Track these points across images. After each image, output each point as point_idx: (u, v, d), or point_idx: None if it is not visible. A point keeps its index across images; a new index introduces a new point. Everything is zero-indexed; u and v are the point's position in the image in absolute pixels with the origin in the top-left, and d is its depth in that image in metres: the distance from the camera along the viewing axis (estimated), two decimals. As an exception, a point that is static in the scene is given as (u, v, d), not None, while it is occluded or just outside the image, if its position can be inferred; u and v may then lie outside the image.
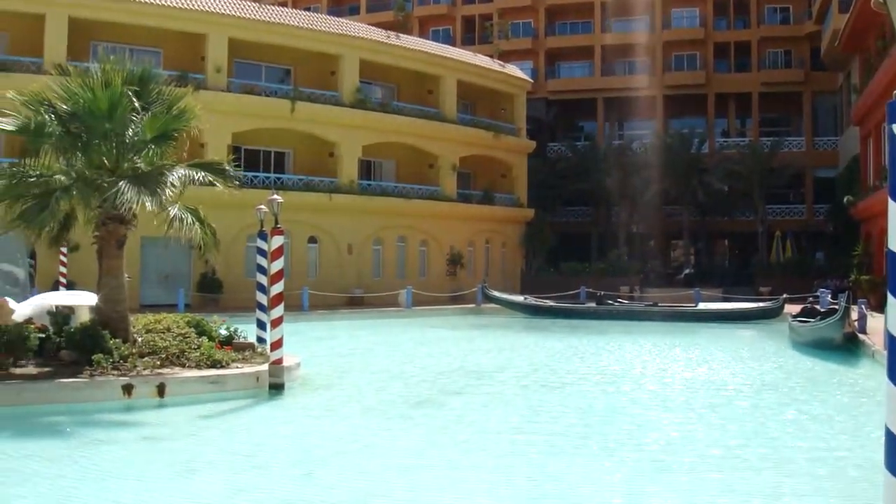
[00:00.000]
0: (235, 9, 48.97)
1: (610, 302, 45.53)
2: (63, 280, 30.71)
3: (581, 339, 32.79)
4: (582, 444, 14.30)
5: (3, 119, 18.95)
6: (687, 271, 63.28)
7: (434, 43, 62.53)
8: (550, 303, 46.76)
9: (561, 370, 23.94)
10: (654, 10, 71.89)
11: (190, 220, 19.32)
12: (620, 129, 73.50)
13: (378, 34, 53.85)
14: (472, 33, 76.31)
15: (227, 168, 20.44)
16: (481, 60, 60.39)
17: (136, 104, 18.86)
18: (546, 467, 12.49)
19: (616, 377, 22.33)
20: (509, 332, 36.89)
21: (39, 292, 32.25)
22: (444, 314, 45.84)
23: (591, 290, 49.85)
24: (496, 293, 47.32)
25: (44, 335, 18.64)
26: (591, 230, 66.74)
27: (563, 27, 76.07)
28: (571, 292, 50.00)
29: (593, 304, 46.01)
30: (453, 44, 70.94)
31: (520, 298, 48.10)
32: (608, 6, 73.28)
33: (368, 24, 60.05)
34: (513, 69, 63.20)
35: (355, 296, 47.77)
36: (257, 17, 48.57)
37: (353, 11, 78.02)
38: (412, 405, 18.10)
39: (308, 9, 73.22)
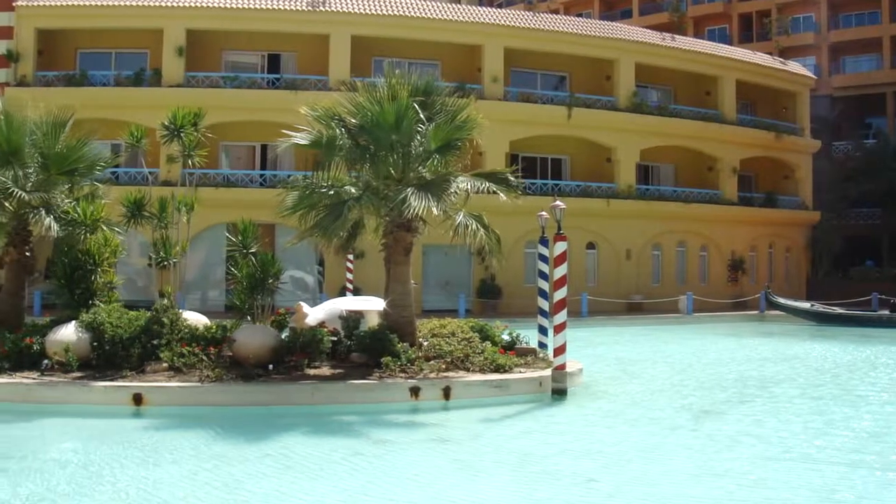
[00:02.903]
0: (510, 19, 49.73)
1: (906, 310, 42.80)
2: (350, 286, 32.00)
3: (875, 350, 31.02)
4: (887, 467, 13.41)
5: (297, 134, 19.97)
6: None
7: (710, 42, 60.94)
8: (839, 310, 44.39)
9: (853, 382, 22.74)
10: (953, -4, 67.08)
11: (475, 226, 19.69)
12: (914, 124, 69.01)
13: (653, 36, 53.15)
14: (750, 31, 73.80)
15: (511, 178, 20.67)
16: (760, 58, 58.32)
17: (421, 115, 19.43)
18: (842, 489, 11.82)
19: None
20: (795, 341, 35.40)
21: (328, 298, 33.93)
22: (725, 321, 44.62)
23: (883, 296, 47.09)
24: (781, 300, 45.50)
25: (335, 338, 19.53)
26: (882, 233, 62.91)
27: (847, 19, 72.22)
28: (862, 299, 47.42)
29: (887, 312, 43.33)
30: (730, 42, 68.91)
31: (806, 305, 46.06)
32: (899, -7, 69.02)
33: (642, 27, 59.38)
34: (794, 66, 60.70)
35: (634, 302, 47.28)
36: (532, 25, 49.03)
37: (625, 15, 77.30)
38: (695, 413, 17.71)
39: (580, 14, 73.28)
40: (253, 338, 18.40)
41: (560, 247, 19.35)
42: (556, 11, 73.55)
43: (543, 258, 22.29)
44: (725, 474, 12.51)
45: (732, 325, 42.68)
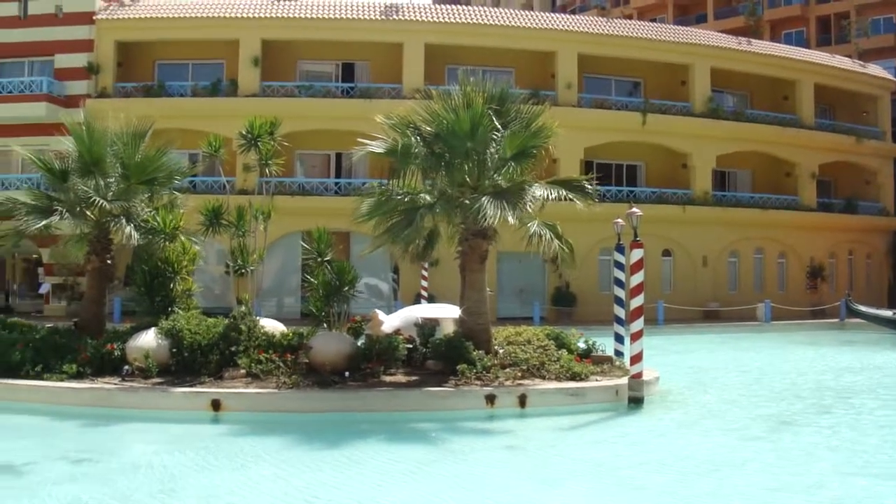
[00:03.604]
0: (584, 25, 49.60)
1: None
2: (424, 293, 32.00)
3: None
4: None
5: (372, 142, 20.06)
6: None
7: (787, 46, 60.11)
8: (923, 319, 43.41)
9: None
10: None
11: (549, 235, 19.60)
12: None
13: (729, 41, 52.50)
14: (828, 33, 72.48)
15: (586, 185, 20.54)
16: (839, 61, 57.28)
17: (496, 123, 19.39)
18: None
19: None
20: (877, 350, 34.56)
21: (402, 305, 34.02)
22: (804, 329, 43.81)
23: (969, 304, 45.93)
24: (861, 307, 44.52)
25: (411, 346, 19.58)
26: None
27: (929, 19, 70.70)
28: (948, 307, 46.28)
29: (973, 320, 42.23)
30: (808, 46, 67.74)
31: (888, 313, 44.94)
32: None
33: (717, 32, 58.71)
34: (875, 69, 59.48)
35: (711, 309, 46.72)
36: (605, 31, 48.86)
37: (700, 20, 76.43)
38: (774, 423, 17.38)
39: (654, 20, 72.63)
40: (329, 345, 18.52)
41: (636, 254, 19.17)
42: (629, 17, 73.13)
43: (619, 266, 22.11)
44: (804, 490, 12.22)
45: (811, 333, 41.89)
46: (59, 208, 20.53)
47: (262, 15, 45.48)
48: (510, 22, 47.51)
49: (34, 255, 44.01)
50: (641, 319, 18.79)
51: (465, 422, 16.69)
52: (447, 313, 21.02)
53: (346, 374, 18.02)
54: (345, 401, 17.26)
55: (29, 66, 45.84)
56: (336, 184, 44.20)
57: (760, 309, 45.37)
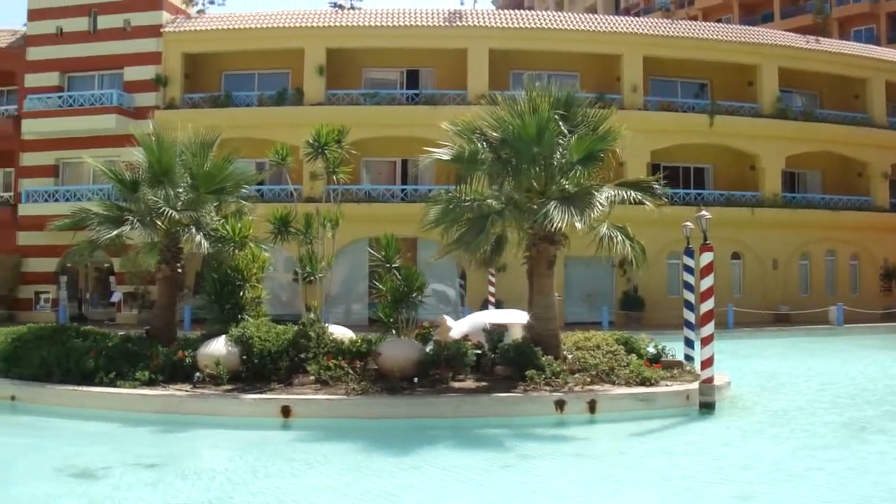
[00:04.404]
0: (649, 27, 49.21)
1: None
2: (491, 299, 31.95)
3: None
4: None
5: (439, 149, 20.06)
6: None
7: (857, 44, 59.05)
8: None
9: None
10: None
11: (619, 238, 19.45)
12: None
13: (797, 40, 51.73)
14: (899, 30, 71.32)
15: (656, 187, 20.34)
16: (912, 59, 56.19)
17: (563, 128, 19.29)
18: None
19: None
20: (954, 353, 33.85)
21: (470, 311, 33.97)
22: (878, 332, 42.85)
23: None
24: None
25: (479, 351, 19.52)
26: None
27: None
28: None
29: None
30: (878, 43, 66.58)
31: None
32: None
33: (784, 31, 57.89)
34: (949, 66, 58.24)
35: (781, 313, 45.94)
36: (671, 33, 48.41)
37: (766, 19, 75.47)
38: (850, 430, 17.04)
39: (720, 20, 71.90)
40: (398, 351, 18.55)
41: (706, 257, 18.93)
42: (694, 18, 72.50)
43: (689, 269, 21.88)
44: (881, 501, 11.93)
45: (885, 337, 40.96)
46: (131, 218, 20.86)
47: (326, 24, 45.84)
48: (574, 26, 47.34)
49: (106, 265, 44.72)
50: (712, 323, 18.55)
51: (534, 428, 16.61)
52: (515, 319, 20.92)
53: (415, 380, 18.03)
54: (414, 407, 17.26)
55: (99, 79, 46.75)
56: (402, 190, 44.35)
57: (832, 312, 44.58)
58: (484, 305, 33.24)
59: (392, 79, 48.01)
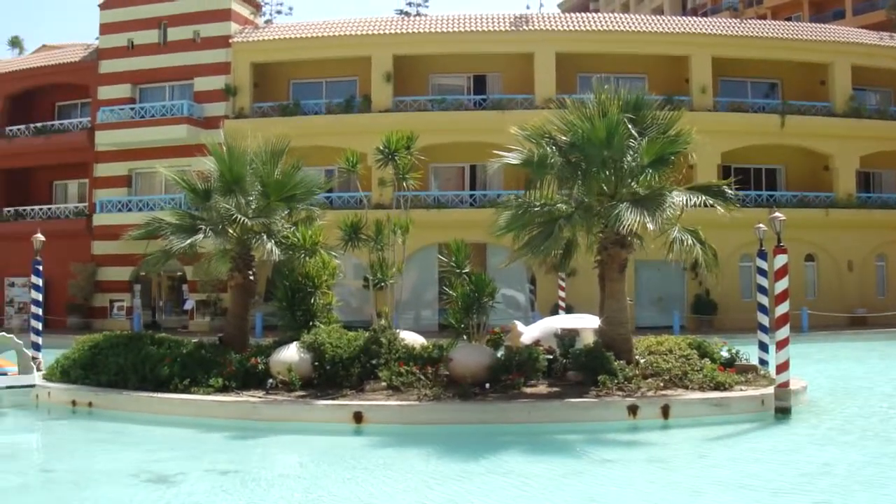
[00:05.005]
0: (717, 27, 48.71)
1: None
2: (562, 304, 31.82)
3: None
4: None
5: (508, 154, 20.02)
6: None
7: (934, 40, 57.81)
8: None
9: None
10: None
11: (690, 241, 19.23)
12: None
13: (870, 36, 50.75)
14: (976, 25, 69.60)
15: (728, 190, 20.06)
16: None
17: (632, 130, 19.15)
18: None
19: None
20: None
21: (539, 316, 33.87)
22: (959, 334, 41.96)
23: None
24: None
25: (551, 356, 19.44)
26: None
27: None
28: None
29: None
30: (955, 38, 65.10)
31: None
32: None
33: (856, 28, 56.85)
34: None
35: (857, 315, 45.06)
36: (740, 32, 47.84)
37: (837, 16, 74.07)
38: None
39: (789, 18, 70.86)
40: (470, 357, 18.54)
41: (780, 260, 18.65)
42: (763, 17, 71.52)
43: (762, 272, 21.57)
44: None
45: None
46: (203, 227, 21.08)
47: (393, 31, 46.10)
48: (642, 27, 47.03)
49: (178, 273, 45.36)
50: (787, 327, 18.28)
51: (607, 433, 16.48)
52: (586, 323, 20.81)
53: (487, 385, 17.97)
54: (485, 412, 17.21)
55: (170, 90, 47.57)
56: (471, 196, 44.36)
57: (911, 314, 43.67)
58: (554, 310, 33.10)
59: (459, 84, 48.08)
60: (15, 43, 75.67)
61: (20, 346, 21.27)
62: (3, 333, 22.33)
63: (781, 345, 18.11)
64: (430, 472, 13.78)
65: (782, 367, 17.96)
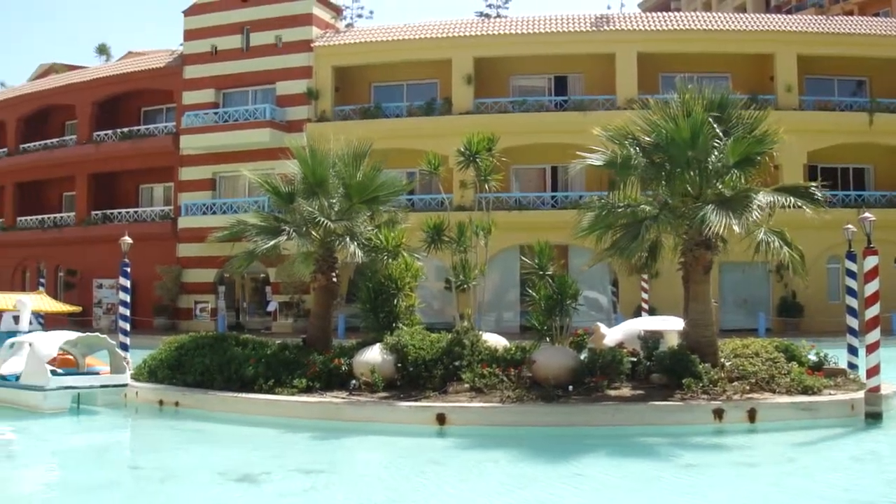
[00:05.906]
0: (802, 24, 47.74)
1: None
2: (645, 306, 31.56)
3: None
4: None
5: (591, 155, 19.89)
6: None
7: None
8: None
9: None
10: None
11: (776, 243, 18.89)
12: None
13: (963, 31, 49.42)
14: None
15: (816, 192, 19.67)
16: None
17: (717, 130, 18.89)
18: None
19: None
20: None
21: (622, 318, 33.62)
22: None
23: None
24: None
25: (635, 359, 19.25)
26: None
27: None
28: None
29: None
30: None
31: None
32: None
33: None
34: None
35: (949, 318, 43.93)
36: (826, 29, 46.86)
37: (928, 11, 72.38)
38: None
39: (877, 14, 69.31)
40: (553, 359, 18.47)
41: (870, 261, 18.25)
42: (849, 13, 70.00)
43: (851, 274, 21.15)
44: None
45: None
46: (287, 229, 21.32)
47: (473, 33, 46.15)
48: (724, 26, 46.37)
49: (262, 275, 45.95)
50: (878, 330, 17.88)
51: (692, 437, 16.30)
52: (671, 326, 20.62)
53: (570, 387, 17.88)
54: (569, 415, 17.14)
55: (252, 94, 48.26)
56: (553, 197, 44.16)
57: None
58: (637, 312, 32.86)
59: (540, 86, 47.90)
60: (102, 50, 77.16)
61: (113, 346, 21.70)
62: (97, 334, 22.83)
63: (872, 348, 17.71)
64: (512, 473, 13.77)
65: (873, 371, 17.57)
